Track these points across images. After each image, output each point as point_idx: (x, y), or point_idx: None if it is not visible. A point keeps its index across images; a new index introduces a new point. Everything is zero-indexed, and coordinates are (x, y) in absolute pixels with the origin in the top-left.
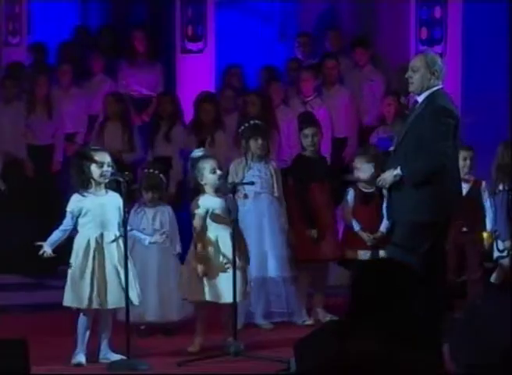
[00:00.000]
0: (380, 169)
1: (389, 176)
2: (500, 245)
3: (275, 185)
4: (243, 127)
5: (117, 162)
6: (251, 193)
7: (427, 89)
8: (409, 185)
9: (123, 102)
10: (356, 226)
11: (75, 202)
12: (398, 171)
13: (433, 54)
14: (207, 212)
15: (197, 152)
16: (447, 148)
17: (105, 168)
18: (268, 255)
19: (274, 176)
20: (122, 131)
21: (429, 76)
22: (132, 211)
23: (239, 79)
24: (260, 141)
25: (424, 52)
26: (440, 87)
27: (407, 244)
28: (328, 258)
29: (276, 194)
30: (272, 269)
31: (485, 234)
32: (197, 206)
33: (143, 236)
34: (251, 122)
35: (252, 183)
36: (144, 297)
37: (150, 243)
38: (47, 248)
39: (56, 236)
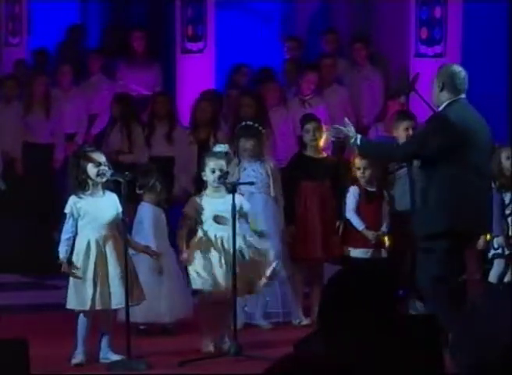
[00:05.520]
0: (378, 168)
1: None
2: (495, 243)
3: (272, 185)
4: (237, 128)
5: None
6: (246, 193)
7: (440, 104)
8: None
9: (132, 104)
10: (360, 226)
11: (72, 204)
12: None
13: (448, 65)
14: (198, 212)
15: (218, 148)
16: (405, 151)
17: (102, 167)
18: None
19: (271, 176)
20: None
21: (437, 90)
22: (147, 210)
23: (246, 78)
24: (250, 142)
25: (443, 64)
26: (453, 99)
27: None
28: (320, 257)
29: (273, 194)
30: None
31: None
32: (190, 205)
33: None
34: (243, 123)
35: (252, 184)
36: (154, 297)
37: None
38: (65, 267)
39: (65, 246)
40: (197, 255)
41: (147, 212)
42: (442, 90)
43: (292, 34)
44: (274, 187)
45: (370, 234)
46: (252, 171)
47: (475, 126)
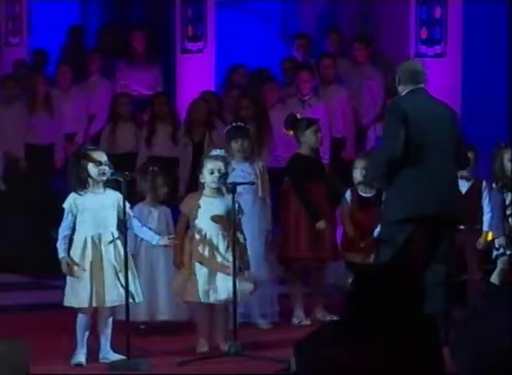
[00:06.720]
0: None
1: None
2: (496, 244)
3: (260, 186)
4: (227, 129)
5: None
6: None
7: None
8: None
9: (132, 104)
10: (349, 232)
11: (72, 201)
12: None
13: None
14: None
15: (214, 152)
16: (389, 144)
17: (103, 166)
18: None
19: (259, 177)
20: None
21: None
22: (136, 209)
23: (244, 79)
24: (240, 143)
25: None
26: (405, 92)
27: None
28: (312, 258)
29: (260, 195)
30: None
31: (487, 234)
32: (186, 203)
33: (154, 235)
34: (234, 124)
35: (253, 184)
36: (152, 296)
37: (157, 244)
38: (64, 266)
39: (63, 244)
40: (188, 253)
41: (137, 212)
42: (399, 84)
43: (299, 32)
44: (262, 187)
45: (359, 240)
46: (241, 171)
47: (419, 109)
